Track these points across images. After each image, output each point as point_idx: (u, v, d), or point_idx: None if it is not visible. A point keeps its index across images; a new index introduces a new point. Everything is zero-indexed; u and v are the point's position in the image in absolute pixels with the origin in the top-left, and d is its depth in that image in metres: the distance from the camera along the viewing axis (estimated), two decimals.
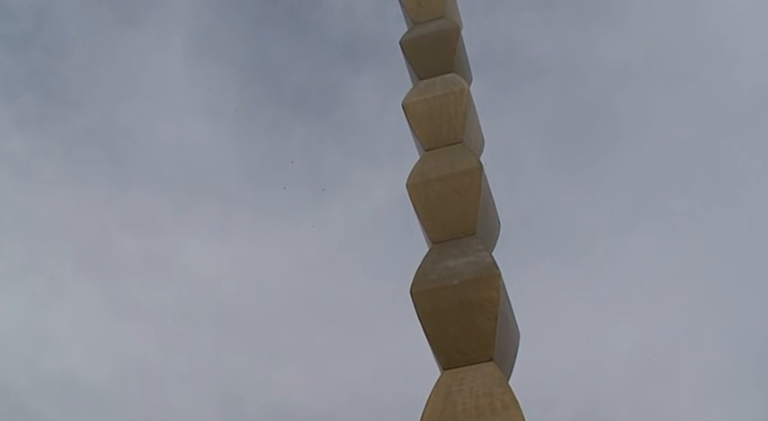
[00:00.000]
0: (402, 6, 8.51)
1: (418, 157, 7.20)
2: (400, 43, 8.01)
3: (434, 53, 7.81)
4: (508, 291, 6.25)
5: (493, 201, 7.00)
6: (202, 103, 21.73)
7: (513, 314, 6.44)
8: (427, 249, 6.64)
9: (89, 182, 20.92)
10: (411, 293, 6.12)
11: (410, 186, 6.75)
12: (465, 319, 5.96)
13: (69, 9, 22.22)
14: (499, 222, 7.16)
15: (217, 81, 21.81)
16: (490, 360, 5.84)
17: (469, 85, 7.54)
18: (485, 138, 7.77)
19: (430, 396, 5.70)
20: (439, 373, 5.95)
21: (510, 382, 5.76)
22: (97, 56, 22.00)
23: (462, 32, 8.12)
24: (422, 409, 5.62)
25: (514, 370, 6.36)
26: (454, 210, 6.60)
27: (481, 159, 6.90)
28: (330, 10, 19.92)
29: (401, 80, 8.07)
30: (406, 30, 8.29)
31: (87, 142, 21.27)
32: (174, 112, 21.85)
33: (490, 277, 6.01)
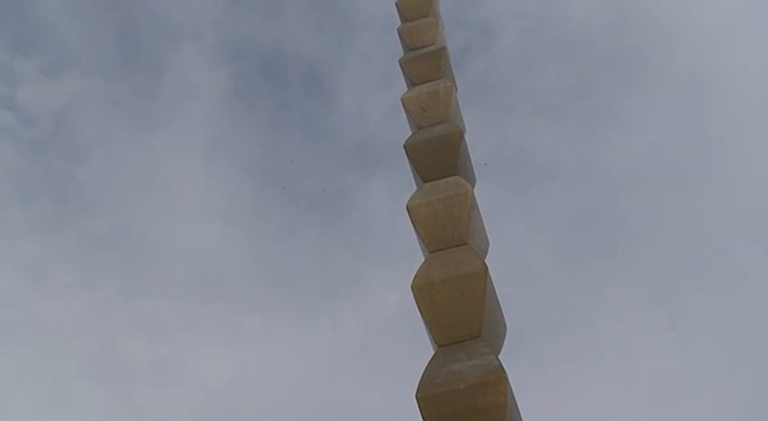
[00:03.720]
0: (406, 111, 8.69)
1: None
2: (404, 147, 8.14)
3: (438, 156, 7.92)
4: (516, 396, 6.13)
5: (499, 303, 6.95)
6: (216, 208, 22.02)
7: (521, 419, 6.29)
8: (433, 352, 6.56)
9: (100, 286, 21.01)
10: (417, 398, 6.02)
11: (415, 288, 6.72)
12: None
13: (87, 115, 22.87)
14: (505, 324, 7.09)
15: (231, 186, 22.17)
16: None
17: (473, 187, 7.60)
18: (489, 240, 7.78)
19: None
20: None
21: None
22: (113, 161, 22.49)
23: (466, 136, 8.26)
24: None
25: None
26: (459, 313, 6.55)
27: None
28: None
29: (412, 184, 8.18)
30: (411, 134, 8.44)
31: (100, 246, 21.48)
32: (187, 217, 22.13)
33: (497, 381, 5.91)
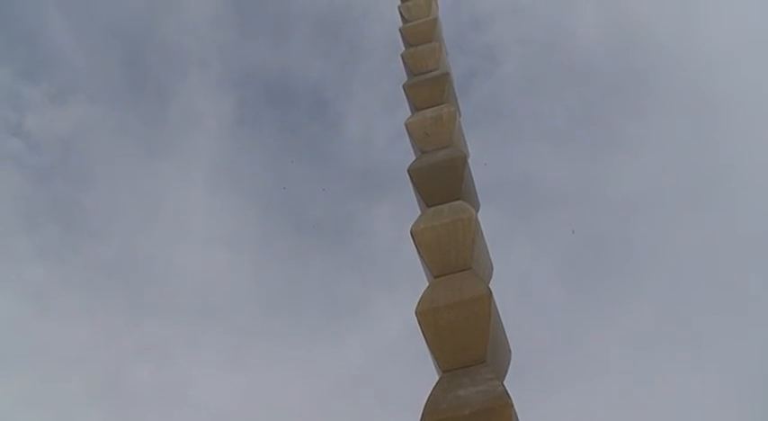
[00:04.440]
0: (410, 136, 8.71)
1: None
2: (408, 172, 8.15)
3: (442, 181, 7.92)
4: None
5: (503, 328, 6.91)
6: (221, 234, 22.05)
7: None
8: (437, 377, 6.51)
9: (105, 312, 20.99)
10: None
11: (419, 313, 6.68)
12: None
13: (94, 141, 23.00)
14: (510, 350, 7.04)
15: (236, 211, 22.22)
16: None
17: (477, 212, 7.58)
18: (494, 265, 7.75)
19: None
20: None
21: None
22: (120, 187, 22.58)
23: (470, 161, 8.26)
24: None
25: None
26: (464, 338, 6.50)
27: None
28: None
29: (416, 208, 8.17)
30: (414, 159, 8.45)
31: (106, 272, 21.50)
32: (192, 243, 22.15)
33: (502, 407, 5.85)
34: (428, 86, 9.41)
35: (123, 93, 24.30)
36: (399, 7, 11.18)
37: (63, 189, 22.60)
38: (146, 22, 24.10)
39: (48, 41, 23.62)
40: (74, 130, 23.35)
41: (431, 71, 9.75)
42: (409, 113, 9.25)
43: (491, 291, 6.66)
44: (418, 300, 6.80)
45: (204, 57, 24.16)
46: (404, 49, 10.37)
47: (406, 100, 9.52)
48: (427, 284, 7.14)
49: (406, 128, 8.80)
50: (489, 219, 7.75)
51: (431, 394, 6.21)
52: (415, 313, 6.69)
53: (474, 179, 8.31)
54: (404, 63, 10.09)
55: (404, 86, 9.58)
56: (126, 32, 24.14)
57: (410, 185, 8.15)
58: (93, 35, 24.26)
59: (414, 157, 8.56)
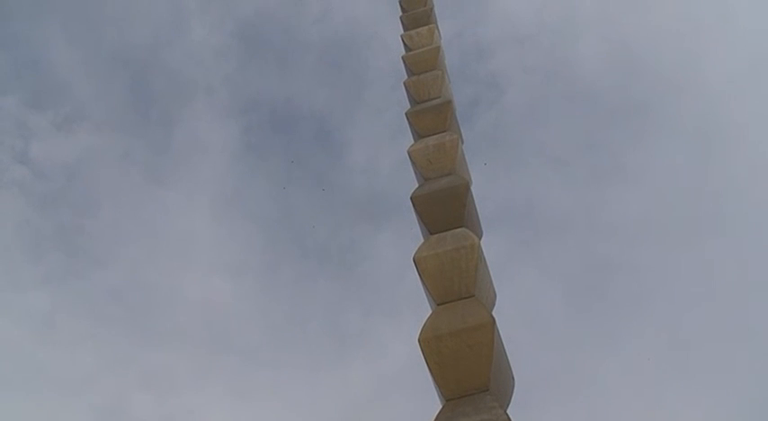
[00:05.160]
0: (413, 164, 8.74)
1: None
2: (411, 199, 8.16)
3: (444, 208, 7.92)
4: None
5: (506, 356, 6.88)
6: (226, 261, 22.06)
7: None
8: (440, 406, 6.47)
9: (110, 339, 20.94)
10: None
11: (422, 341, 6.66)
12: None
13: (99, 169, 23.11)
14: (513, 378, 7.00)
15: (241, 239, 22.24)
16: None
17: (480, 239, 7.58)
18: (497, 292, 7.73)
19: None
20: None
21: None
22: (124, 214, 22.65)
23: (473, 189, 8.28)
24: None
25: None
26: (467, 366, 6.47)
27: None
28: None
29: (420, 236, 8.17)
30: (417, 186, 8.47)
31: (110, 300, 21.48)
32: (198, 270, 22.16)
33: None
34: (431, 114, 9.46)
35: (129, 120, 24.48)
36: (402, 36, 11.29)
37: (68, 216, 22.69)
38: (151, 50, 24.32)
39: (53, 69, 23.84)
40: (79, 158, 23.49)
41: (434, 99, 9.81)
42: (412, 141, 9.28)
43: (494, 319, 6.64)
44: (421, 327, 6.79)
45: (209, 85, 24.35)
46: (407, 77, 10.44)
47: (409, 127, 9.56)
48: (430, 312, 7.13)
49: (409, 155, 8.83)
50: (492, 247, 7.75)
51: None
52: (418, 341, 6.67)
53: (477, 206, 8.32)
54: (407, 91, 10.15)
55: (407, 114, 9.63)
56: (131, 60, 24.35)
57: (413, 212, 8.16)
58: (99, 63, 24.48)
59: (417, 185, 8.58)
